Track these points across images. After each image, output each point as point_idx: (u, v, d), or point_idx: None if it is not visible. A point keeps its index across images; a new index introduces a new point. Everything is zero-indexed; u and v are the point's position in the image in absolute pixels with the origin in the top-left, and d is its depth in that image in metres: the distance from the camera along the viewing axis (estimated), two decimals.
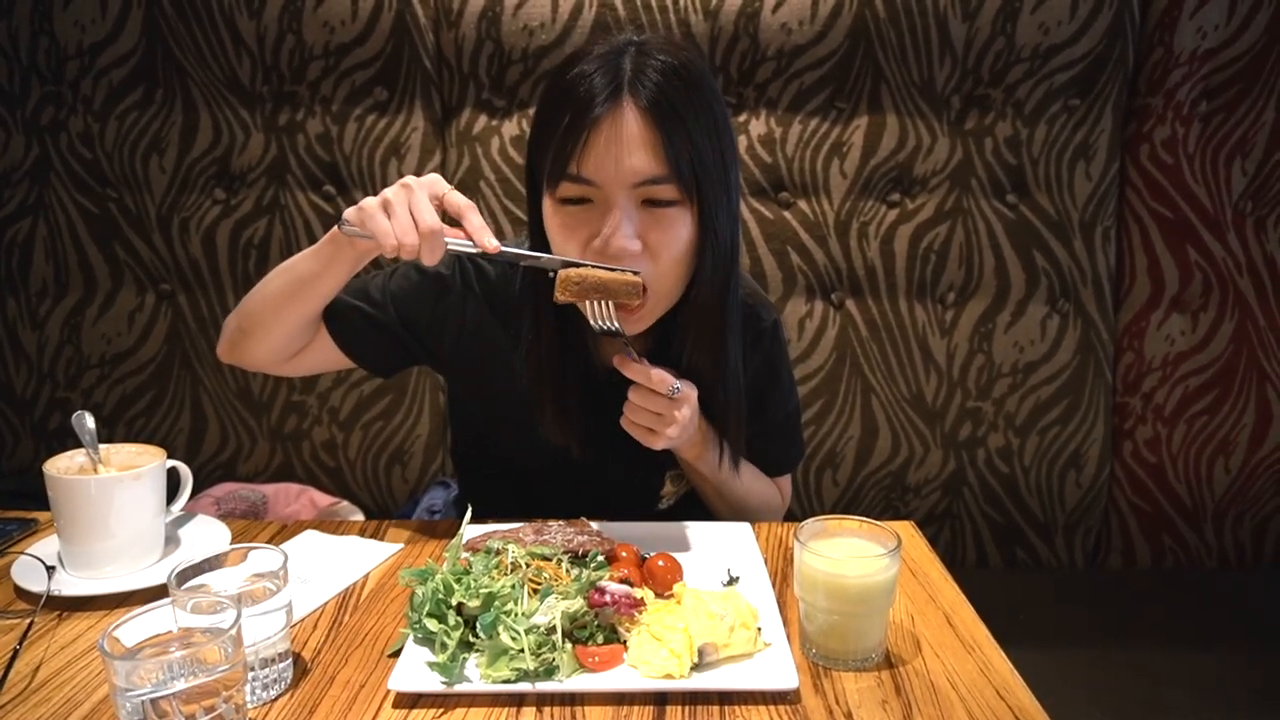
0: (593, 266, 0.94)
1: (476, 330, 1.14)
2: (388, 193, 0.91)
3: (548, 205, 0.98)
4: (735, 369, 1.07)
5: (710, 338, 1.04)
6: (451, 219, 0.94)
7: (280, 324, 1.07)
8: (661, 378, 0.99)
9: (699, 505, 1.31)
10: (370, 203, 0.91)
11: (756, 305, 1.18)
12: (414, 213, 0.90)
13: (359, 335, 1.13)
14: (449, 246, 0.92)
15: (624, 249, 0.93)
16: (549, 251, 0.99)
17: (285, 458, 1.89)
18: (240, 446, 1.90)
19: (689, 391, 1.02)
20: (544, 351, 1.06)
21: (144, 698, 0.66)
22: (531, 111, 1.79)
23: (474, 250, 0.92)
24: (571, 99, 0.93)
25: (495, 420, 1.21)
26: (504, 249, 0.93)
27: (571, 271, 0.93)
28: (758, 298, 1.21)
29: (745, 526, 1.12)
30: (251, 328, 1.09)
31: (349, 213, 0.94)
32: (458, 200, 0.93)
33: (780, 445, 1.25)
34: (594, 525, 1.06)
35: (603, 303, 0.95)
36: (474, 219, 0.92)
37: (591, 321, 0.97)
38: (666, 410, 1.00)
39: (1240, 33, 1.72)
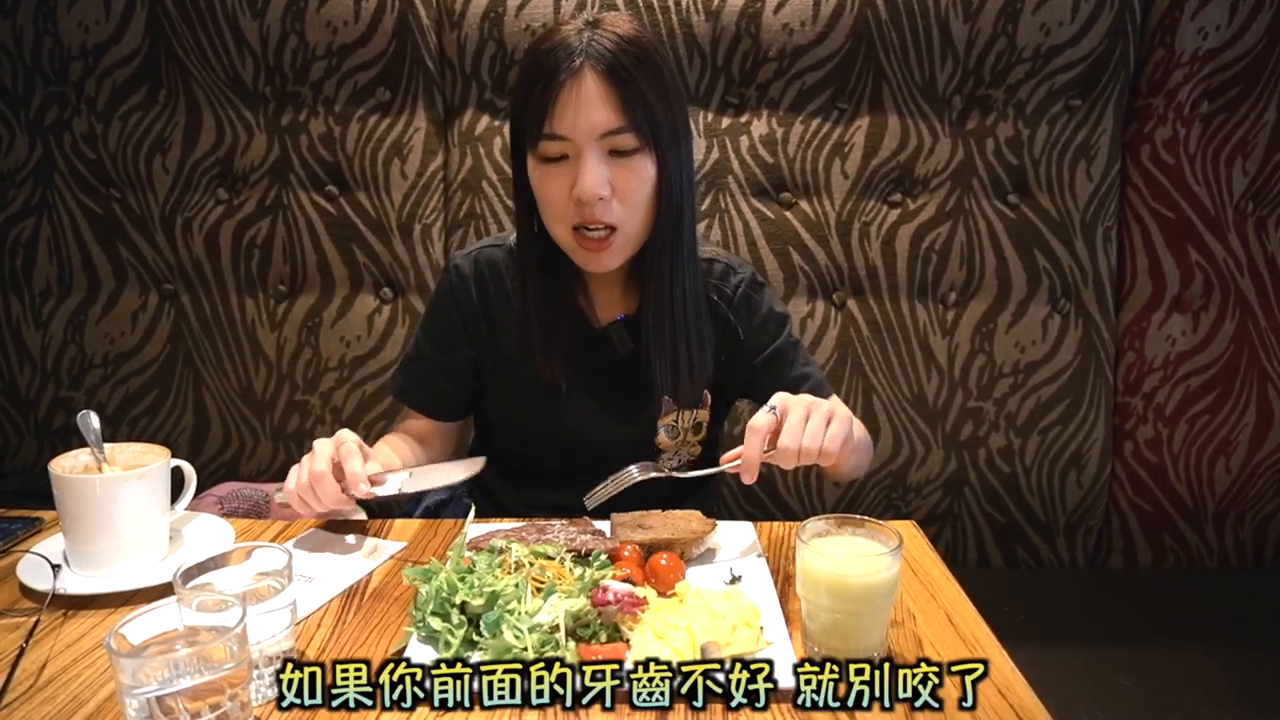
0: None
1: (486, 315, 1.28)
2: (292, 486, 1.05)
3: (532, 166, 1.13)
4: (693, 310, 1.19)
5: (668, 272, 1.16)
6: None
7: None
8: (757, 431, 0.99)
9: (699, 482, 1.36)
10: (291, 492, 1.06)
11: (730, 261, 1.32)
12: (319, 494, 1.04)
13: (440, 400, 1.33)
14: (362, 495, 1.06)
15: (594, 192, 1.07)
16: (533, 208, 1.16)
17: (288, 457, 1.90)
18: (243, 446, 1.90)
19: (781, 404, 1.01)
20: (533, 299, 1.20)
21: (150, 695, 0.67)
22: None
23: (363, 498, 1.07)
24: (542, 71, 1.08)
25: (511, 405, 1.31)
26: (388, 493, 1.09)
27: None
28: (730, 256, 1.34)
29: (748, 526, 1.13)
30: None
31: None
32: (344, 464, 1.05)
33: (813, 367, 1.34)
34: (596, 524, 1.07)
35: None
36: (346, 464, 1.04)
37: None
38: (803, 424, 0.99)
39: (1242, 33, 1.73)
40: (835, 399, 1.18)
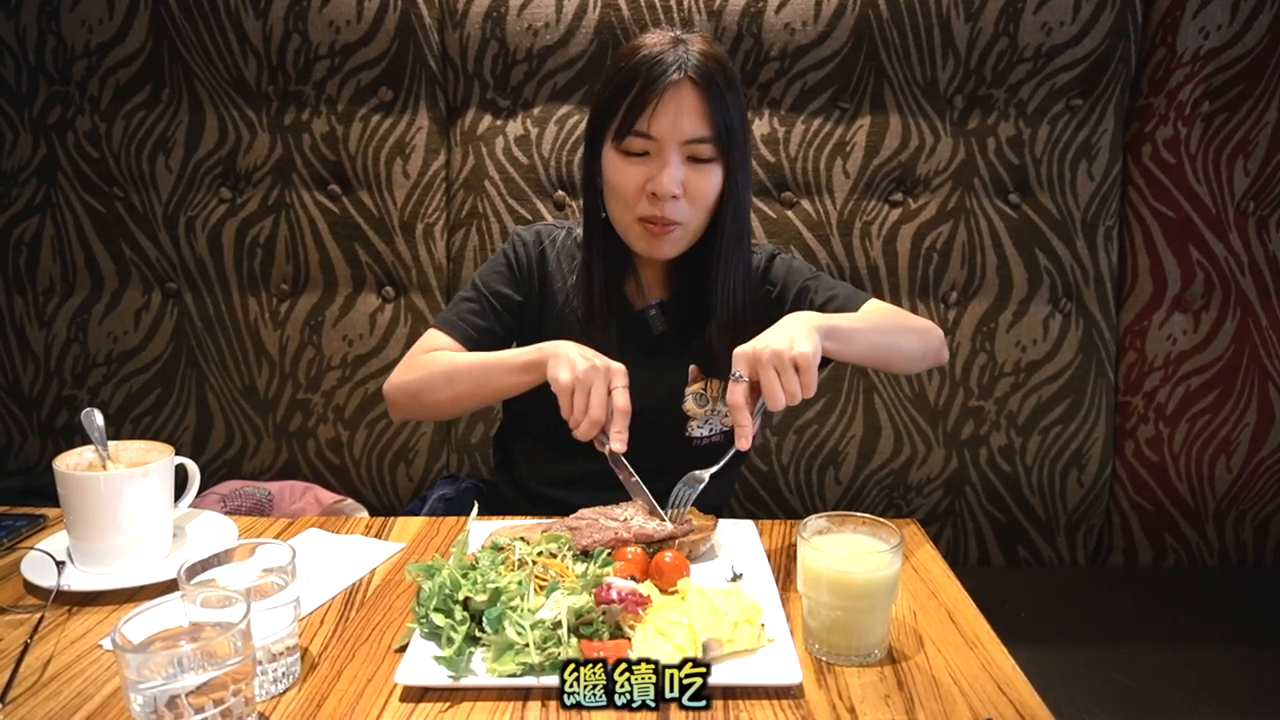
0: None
1: (541, 275, 1.36)
2: (580, 372, 1.08)
3: (612, 157, 1.23)
4: (742, 298, 1.30)
5: (735, 270, 1.28)
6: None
7: (466, 409, 1.35)
8: (737, 402, 1.04)
9: (725, 471, 1.37)
10: (565, 380, 1.08)
11: (753, 248, 1.40)
12: (590, 403, 1.07)
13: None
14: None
15: (670, 190, 1.19)
16: (598, 193, 1.28)
17: (290, 456, 1.90)
18: (245, 444, 1.91)
19: (742, 358, 1.05)
20: (594, 285, 1.30)
21: (157, 690, 0.67)
22: (536, 111, 1.80)
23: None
24: (642, 74, 1.18)
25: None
26: (621, 458, 1.10)
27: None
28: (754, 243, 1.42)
29: (749, 524, 1.13)
30: (436, 410, 1.32)
31: (555, 371, 1.10)
32: (617, 403, 1.08)
33: (839, 286, 1.36)
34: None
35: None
36: (616, 424, 1.08)
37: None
38: (775, 377, 1.02)
39: (1243, 33, 1.73)
40: (870, 300, 1.31)
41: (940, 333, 1.34)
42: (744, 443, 1.05)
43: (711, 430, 1.35)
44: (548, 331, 1.33)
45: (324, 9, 1.75)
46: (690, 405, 1.33)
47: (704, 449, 1.34)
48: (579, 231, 1.36)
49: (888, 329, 1.25)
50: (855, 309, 1.29)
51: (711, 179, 1.22)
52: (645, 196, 1.21)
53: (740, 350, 1.05)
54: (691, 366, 1.33)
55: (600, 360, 1.09)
